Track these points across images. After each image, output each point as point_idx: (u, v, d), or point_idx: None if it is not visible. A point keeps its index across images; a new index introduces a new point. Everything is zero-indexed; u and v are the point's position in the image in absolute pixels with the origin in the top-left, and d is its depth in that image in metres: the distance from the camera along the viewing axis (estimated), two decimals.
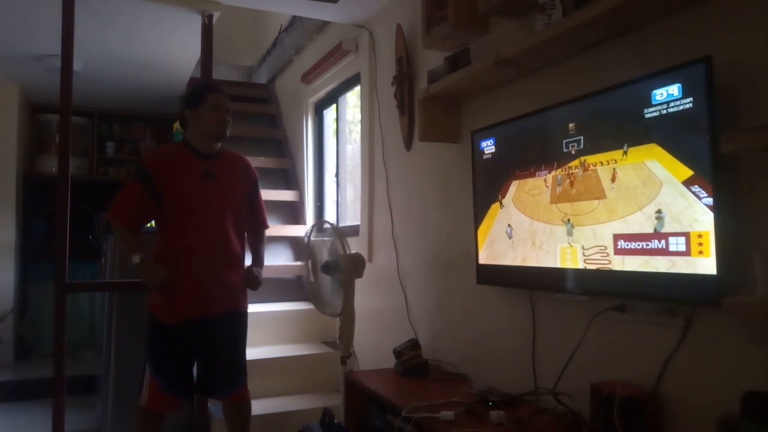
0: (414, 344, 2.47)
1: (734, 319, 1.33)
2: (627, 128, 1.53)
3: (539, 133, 1.87)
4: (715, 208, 1.31)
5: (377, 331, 3.09)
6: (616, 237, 1.55)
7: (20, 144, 4.94)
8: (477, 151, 2.16)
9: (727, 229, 1.31)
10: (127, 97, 5.11)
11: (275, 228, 3.91)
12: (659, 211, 1.43)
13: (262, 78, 5.49)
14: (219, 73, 3.70)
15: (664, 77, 1.43)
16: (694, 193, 1.35)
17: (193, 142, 2.36)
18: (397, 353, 2.46)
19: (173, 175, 2.28)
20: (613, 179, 1.56)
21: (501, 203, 2.02)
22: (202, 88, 2.38)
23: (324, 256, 2.56)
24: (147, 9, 3.19)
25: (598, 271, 1.62)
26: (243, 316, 2.43)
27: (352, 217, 3.78)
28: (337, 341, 2.59)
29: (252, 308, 2.54)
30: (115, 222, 2.26)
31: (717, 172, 1.31)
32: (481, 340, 2.29)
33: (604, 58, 1.71)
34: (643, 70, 1.51)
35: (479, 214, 2.15)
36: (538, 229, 1.84)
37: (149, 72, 4.34)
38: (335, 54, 3.58)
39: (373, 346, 3.05)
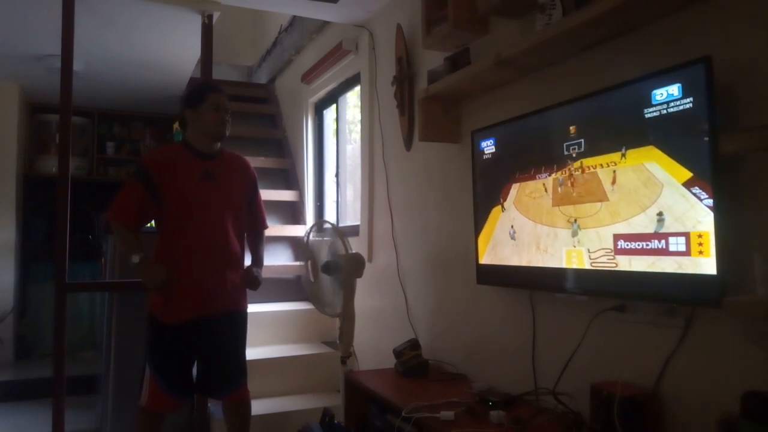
0: (414, 344, 2.47)
1: (734, 319, 1.33)
2: (627, 129, 1.53)
3: (539, 134, 1.87)
4: (715, 208, 1.31)
5: (377, 331, 3.09)
6: (616, 237, 1.55)
7: (20, 144, 4.94)
8: (477, 151, 2.16)
9: (727, 229, 1.31)
10: (127, 97, 5.11)
11: (275, 228, 3.91)
12: (660, 214, 1.43)
13: (262, 78, 5.49)
14: (219, 73, 3.70)
15: (664, 77, 1.42)
16: (694, 194, 1.35)
17: (192, 142, 2.36)
18: (397, 353, 2.46)
19: (173, 175, 2.28)
20: (614, 181, 1.56)
21: (502, 206, 2.01)
22: (202, 88, 2.38)
23: (324, 256, 2.56)
24: (147, 9, 3.19)
25: (598, 271, 1.62)
26: (243, 316, 2.43)
27: (352, 217, 3.78)
28: (337, 341, 2.59)
29: (252, 308, 2.54)
30: (115, 222, 2.26)
31: (717, 172, 1.31)
32: (481, 340, 2.29)
33: (604, 58, 1.71)
34: (643, 70, 1.51)
35: (480, 218, 2.13)
36: (542, 233, 1.82)
37: (149, 72, 4.34)
38: (335, 54, 3.58)
39: (373, 346, 3.05)
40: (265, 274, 2.56)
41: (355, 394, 2.40)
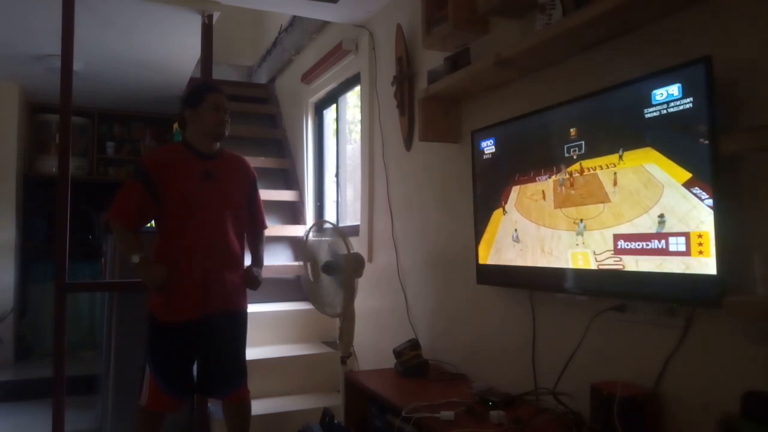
0: (414, 344, 2.47)
1: (734, 319, 1.33)
2: (627, 130, 1.53)
3: (540, 134, 1.86)
4: (714, 208, 1.31)
5: (377, 331, 3.09)
6: (616, 237, 1.55)
7: (20, 144, 4.94)
8: (477, 151, 2.16)
9: (727, 229, 1.31)
10: (127, 97, 5.11)
11: (275, 228, 3.91)
12: (662, 215, 1.43)
13: (262, 78, 5.49)
14: (219, 73, 3.70)
15: (664, 77, 1.42)
16: (695, 194, 1.35)
17: (192, 142, 2.36)
18: (397, 353, 2.46)
19: (173, 175, 2.28)
20: (615, 183, 1.56)
21: (504, 209, 2.00)
22: (201, 89, 2.39)
23: (324, 256, 2.56)
24: (147, 9, 3.19)
25: (598, 271, 1.62)
26: (243, 316, 2.43)
27: (352, 217, 3.78)
28: (337, 341, 2.59)
29: (252, 308, 2.54)
30: (115, 222, 2.26)
31: (717, 172, 1.31)
32: (481, 340, 2.29)
33: (604, 58, 1.71)
34: (643, 70, 1.51)
35: (481, 221, 2.12)
36: (545, 235, 1.81)
37: (149, 72, 4.34)
38: (335, 54, 3.58)
39: (373, 346, 3.05)
40: (265, 274, 2.56)
41: (355, 394, 2.40)
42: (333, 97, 4.09)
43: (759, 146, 1.20)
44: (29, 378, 4.16)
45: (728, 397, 1.28)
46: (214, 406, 2.81)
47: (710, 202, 1.32)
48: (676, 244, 1.40)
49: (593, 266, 1.63)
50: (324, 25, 3.86)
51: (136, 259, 2.23)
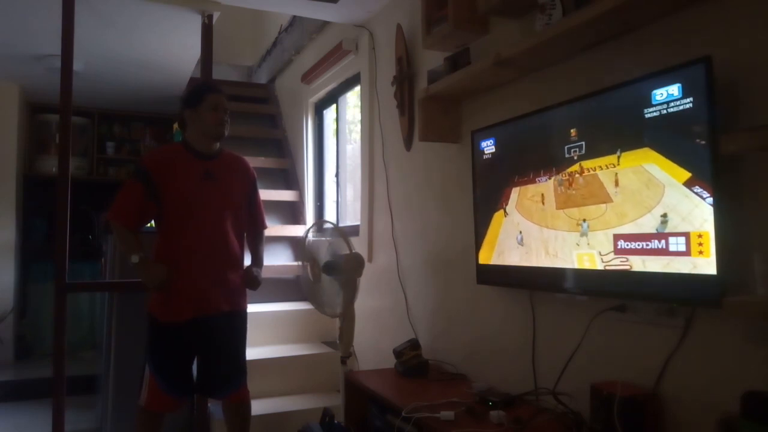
0: (414, 344, 2.47)
1: (734, 319, 1.33)
2: (627, 130, 1.53)
3: (540, 134, 1.86)
4: (714, 208, 1.31)
5: (377, 331, 3.09)
6: (617, 237, 1.55)
7: (20, 144, 4.94)
8: (477, 151, 2.15)
9: (727, 229, 1.31)
10: (127, 97, 5.11)
11: (275, 228, 3.91)
12: (665, 215, 1.43)
13: (262, 78, 5.49)
14: (219, 73, 3.70)
15: (664, 77, 1.42)
16: (696, 194, 1.35)
17: (192, 142, 2.36)
18: (397, 353, 2.46)
19: (173, 175, 2.28)
20: (616, 183, 1.55)
21: (505, 211, 2.00)
22: (201, 89, 2.39)
23: (325, 256, 2.56)
24: (147, 9, 3.19)
25: (598, 271, 1.62)
26: (243, 316, 2.43)
27: (352, 217, 3.78)
28: (337, 341, 2.59)
29: (252, 308, 2.54)
30: (115, 222, 2.26)
31: (717, 172, 1.31)
32: (481, 340, 2.29)
33: (604, 58, 1.71)
34: (643, 70, 1.51)
35: (481, 223, 2.12)
36: (549, 237, 1.80)
37: (149, 72, 4.34)
38: (335, 54, 3.58)
39: (373, 346, 3.05)
40: (265, 274, 2.56)
41: (355, 394, 2.40)
42: (333, 97, 4.09)
43: (759, 146, 1.20)
44: (29, 378, 4.16)
45: (728, 397, 1.28)
46: (214, 406, 2.81)
47: (709, 200, 1.32)
48: (676, 244, 1.40)
49: (599, 267, 1.62)
50: (324, 25, 3.86)
51: (135, 259, 2.23)
